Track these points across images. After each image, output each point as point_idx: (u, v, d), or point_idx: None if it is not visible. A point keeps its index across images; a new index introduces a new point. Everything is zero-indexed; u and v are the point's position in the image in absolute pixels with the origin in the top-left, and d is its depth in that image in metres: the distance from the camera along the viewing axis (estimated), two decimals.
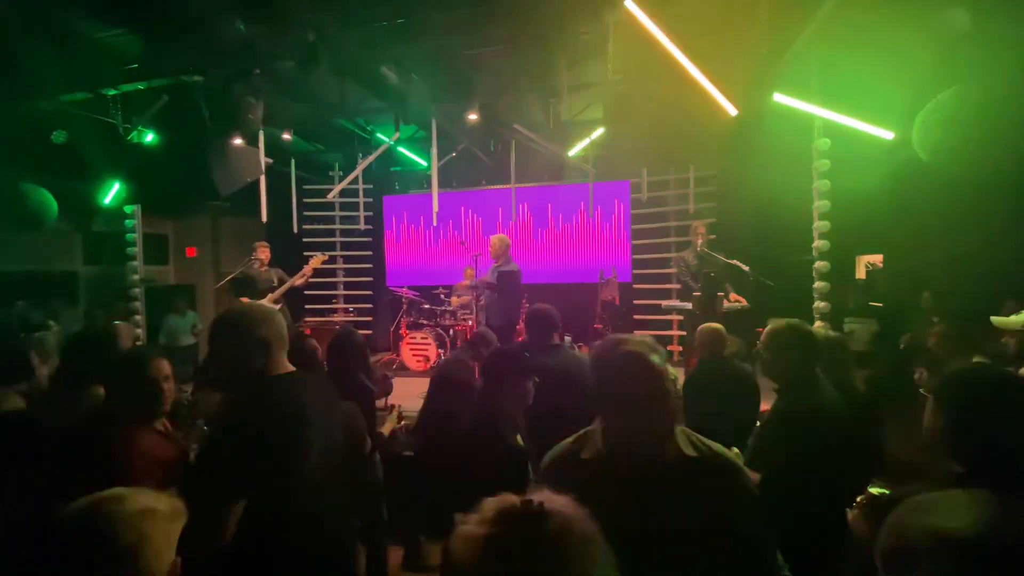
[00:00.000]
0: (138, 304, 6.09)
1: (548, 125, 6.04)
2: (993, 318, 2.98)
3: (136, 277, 6.08)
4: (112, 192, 5.68)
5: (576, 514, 0.81)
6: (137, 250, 6.06)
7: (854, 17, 3.40)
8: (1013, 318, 2.74)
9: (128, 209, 5.94)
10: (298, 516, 1.44)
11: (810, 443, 1.87)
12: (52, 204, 5.47)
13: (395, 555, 2.94)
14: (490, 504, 0.81)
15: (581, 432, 1.33)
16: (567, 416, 2.16)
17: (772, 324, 2.14)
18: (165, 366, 1.84)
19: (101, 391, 2.34)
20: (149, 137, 5.41)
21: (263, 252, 6.10)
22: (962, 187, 4.81)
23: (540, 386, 2.16)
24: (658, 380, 1.21)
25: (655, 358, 1.21)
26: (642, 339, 1.27)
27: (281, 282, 6.08)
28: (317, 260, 6.26)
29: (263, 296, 6.10)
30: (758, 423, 2.26)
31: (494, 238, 5.58)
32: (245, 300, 6.15)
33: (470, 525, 0.79)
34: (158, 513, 1.00)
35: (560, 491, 0.92)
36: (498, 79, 4.96)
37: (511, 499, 0.81)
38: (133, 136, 5.07)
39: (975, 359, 2.61)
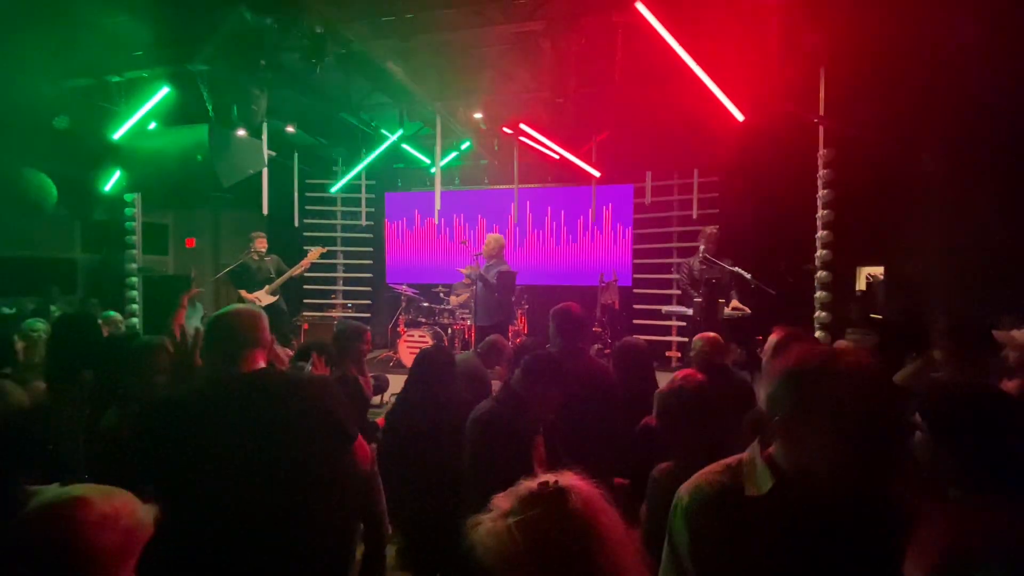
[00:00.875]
0: (135, 293, 6.05)
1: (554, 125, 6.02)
2: (996, 332, 2.96)
3: (134, 266, 6.05)
4: (112, 180, 5.66)
5: (587, 486, 0.88)
6: (136, 239, 6.03)
7: (863, 25, 3.38)
8: (1016, 333, 2.71)
9: (128, 198, 5.91)
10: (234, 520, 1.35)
11: None
12: (52, 189, 5.45)
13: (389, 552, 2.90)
14: (509, 495, 0.87)
15: (729, 462, 1.11)
16: (589, 425, 2.15)
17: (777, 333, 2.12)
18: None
19: (90, 376, 2.32)
20: (152, 125, 5.38)
21: (260, 243, 6.09)
22: (963, 200, 4.81)
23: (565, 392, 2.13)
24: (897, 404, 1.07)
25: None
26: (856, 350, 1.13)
27: (279, 273, 6.06)
28: (315, 253, 6.24)
29: (260, 287, 6.08)
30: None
31: (490, 237, 5.56)
32: (244, 292, 6.14)
33: (493, 520, 0.84)
34: (119, 523, 0.94)
35: (718, 539, 0.99)
36: (505, 77, 4.94)
37: (527, 486, 0.87)
38: (136, 124, 5.03)
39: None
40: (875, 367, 0.99)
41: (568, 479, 0.88)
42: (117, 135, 4.93)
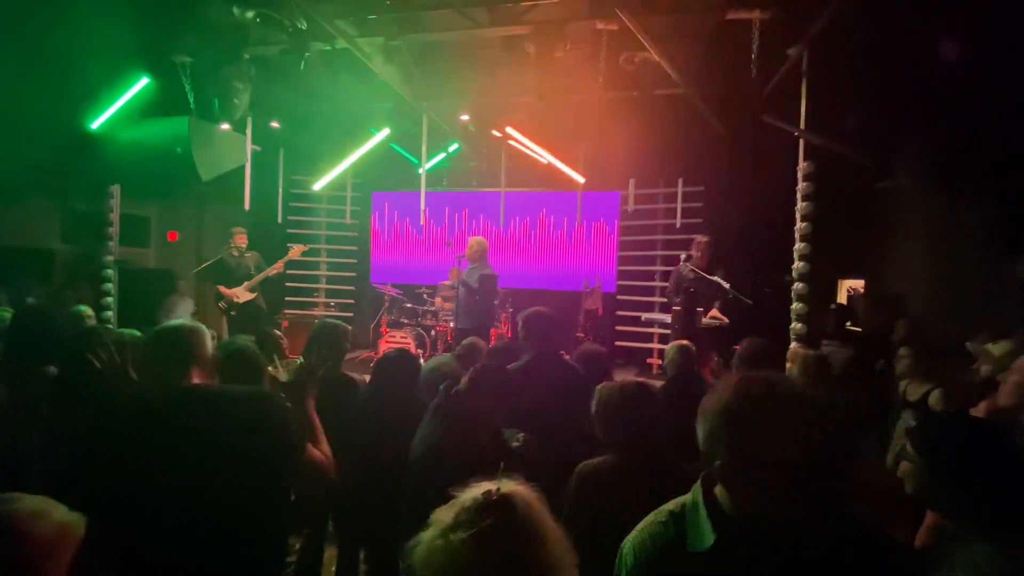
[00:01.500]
0: (110, 286, 5.95)
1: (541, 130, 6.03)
2: (969, 344, 3.00)
3: (110, 258, 5.95)
4: (93, 169, 5.57)
5: (527, 490, 0.89)
6: (114, 230, 5.93)
7: (840, 46, 3.43)
8: (990, 346, 2.75)
9: (108, 188, 5.81)
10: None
11: None
12: None
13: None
14: (452, 507, 0.86)
15: (673, 509, 1.03)
16: (558, 428, 2.14)
17: (746, 342, 2.13)
18: None
19: (53, 370, 2.26)
20: (132, 116, 5.30)
21: (240, 238, 6.03)
22: (940, 217, 4.89)
23: (535, 395, 2.11)
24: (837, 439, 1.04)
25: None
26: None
27: (258, 270, 6.00)
28: (296, 251, 6.20)
29: (239, 284, 6.01)
30: None
31: (472, 240, 5.55)
32: (222, 288, 6.06)
33: (440, 536, 0.83)
34: (50, 514, 0.95)
35: None
36: (492, 80, 4.95)
37: (471, 497, 0.86)
38: (115, 114, 4.95)
39: (939, 387, 2.63)
40: (813, 395, 0.96)
41: (508, 485, 0.88)
42: (95, 124, 4.85)
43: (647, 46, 3.30)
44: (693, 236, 5.30)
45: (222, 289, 5.94)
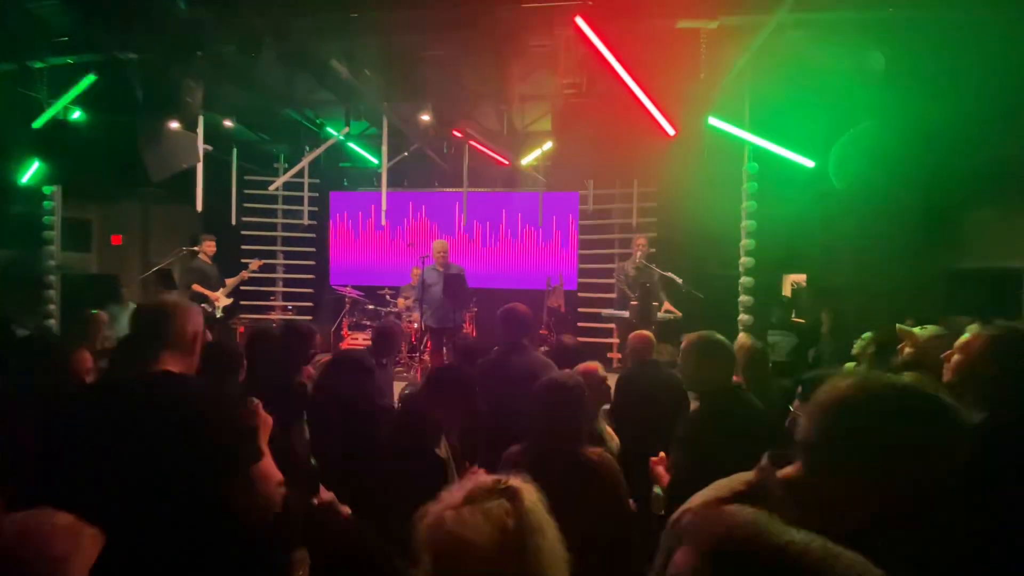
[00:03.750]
0: (52, 292, 5.66)
1: (502, 132, 6.13)
2: (899, 326, 3.24)
3: (52, 263, 5.65)
4: (30, 171, 5.27)
5: (535, 489, 0.92)
6: (55, 234, 5.65)
7: (783, 53, 3.67)
8: (918, 329, 2.97)
9: (47, 190, 5.53)
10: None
11: (731, 443, 2.00)
12: None
13: None
14: (462, 488, 0.90)
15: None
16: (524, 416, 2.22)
17: (687, 337, 2.26)
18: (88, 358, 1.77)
19: None
20: (76, 115, 5.06)
21: (210, 246, 5.99)
22: (871, 214, 5.28)
23: (503, 386, 2.17)
24: None
25: None
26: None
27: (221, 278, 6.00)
28: (254, 265, 6.23)
29: (216, 290, 5.95)
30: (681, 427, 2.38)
31: (437, 243, 5.67)
32: (208, 292, 5.93)
33: (448, 508, 0.86)
34: (84, 531, 1.01)
35: None
36: (452, 82, 4.99)
37: (482, 480, 0.91)
38: (58, 113, 4.73)
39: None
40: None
41: (519, 481, 0.93)
42: (37, 123, 4.62)
43: (600, 50, 3.44)
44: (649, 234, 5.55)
45: (207, 292, 5.80)
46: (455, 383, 2.07)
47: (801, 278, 7.61)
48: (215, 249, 5.99)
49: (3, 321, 2.92)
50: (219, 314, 5.91)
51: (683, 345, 2.23)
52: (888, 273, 5.62)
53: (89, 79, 4.41)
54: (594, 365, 2.79)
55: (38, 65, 4.57)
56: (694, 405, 2.49)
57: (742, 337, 3.74)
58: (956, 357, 1.83)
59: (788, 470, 0.95)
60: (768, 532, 0.60)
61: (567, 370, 2.34)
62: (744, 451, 1.96)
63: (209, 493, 1.26)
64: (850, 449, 0.85)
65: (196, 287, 5.78)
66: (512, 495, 0.88)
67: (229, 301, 6.02)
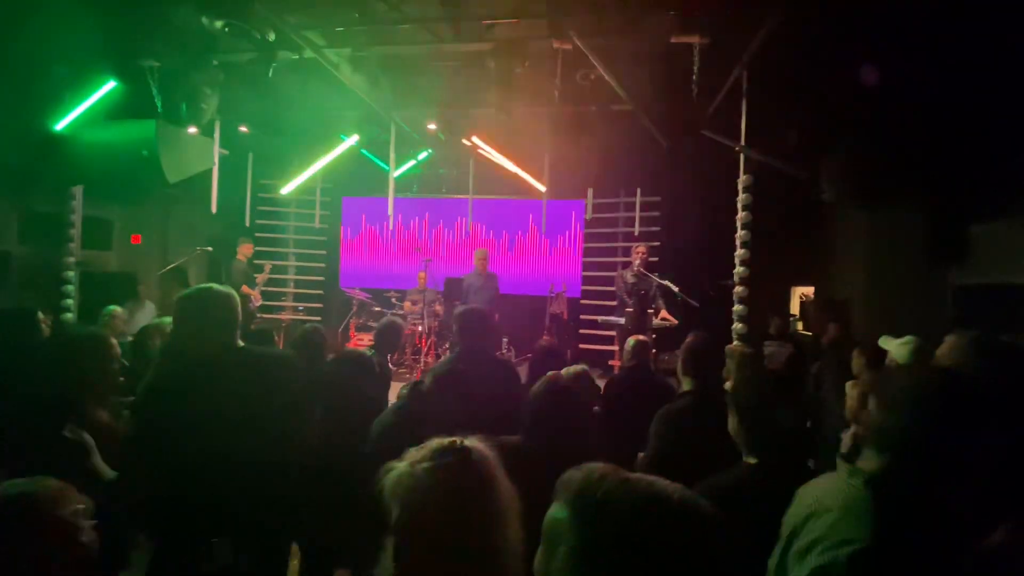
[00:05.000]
0: (71, 288, 5.89)
1: (504, 140, 6.27)
2: (882, 338, 3.27)
3: (71, 260, 5.89)
4: (55, 171, 5.52)
5: (487, 448, 1.04)
6: (76, 232, 5.89)
7: (774, 68, 3.76)
8: (893, 342, 3.00)
9: (70, 190, 5.77)
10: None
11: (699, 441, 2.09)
12: None
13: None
14: (421, 448, 1.03)
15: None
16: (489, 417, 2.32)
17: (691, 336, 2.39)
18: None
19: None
20: (97, 119, 5.30)
21: (248, 248, 6.34)
22: (877, 227, 5.30)
23: (471, 388, 2.27)
24: None
25: None
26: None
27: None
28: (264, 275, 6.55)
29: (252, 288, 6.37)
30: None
31: (478, 251, 6.20)
32: (247, 289, 6.33)
33: (408, 465, 0.99)
34: (73, 496, 1.12)
35: None
36: (458, 91, 5.14)
37: (438, 441, 1.04)
38: (80, 116, 4.96)
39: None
40: None
41: (471, 442, 1.05)
42: (60, 126, 4.86)
43: (597, 65, 3.56)
44: (651, 243, 5.62)
45: (246, 290, 6.20)
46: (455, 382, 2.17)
47: (809, 291, 7.61)
48: (252, 251, 6.30)
49: (30, 313, 3.08)
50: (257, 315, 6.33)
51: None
52: (894, 287, 5.62)
53: (110, 84, 4.62)
54: (581, 367, 2.87)
55: (61, 69, 4.81)
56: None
57: (735, 344, 3.80)
58: (856, 391, 1.86)
59: None
60: (616, 472, 0.72)
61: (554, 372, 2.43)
62: (715, 448, 2.06)
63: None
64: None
65: (245, 288, 6.24)
66: (462, 451, 1.01)
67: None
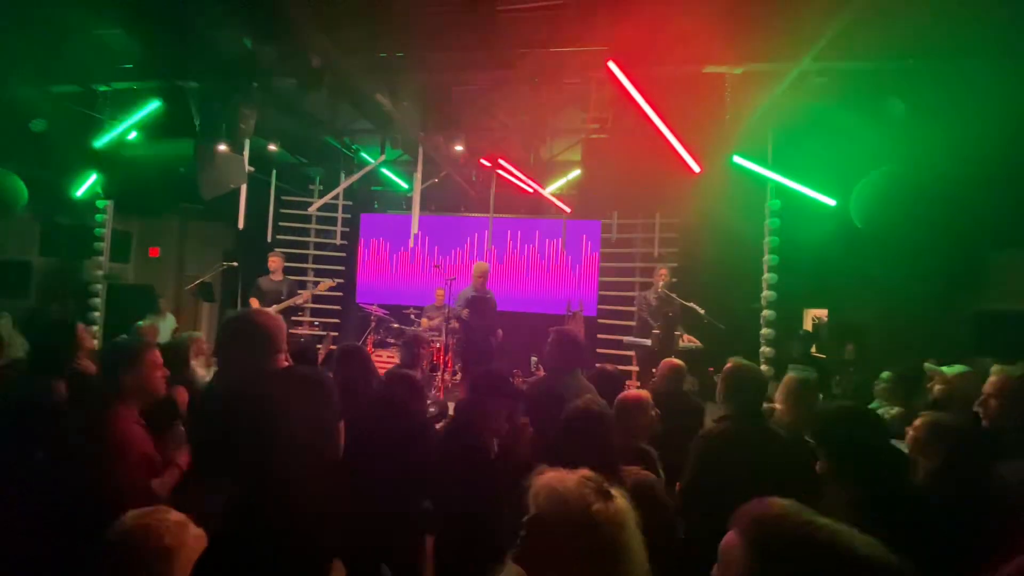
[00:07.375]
0: (98, 300, 5.96)
1: (529, 162, 6.37)
2: (926, 364, 3.28)
3: (99, 272, 5.97)
4: (86, 185, 5.63)
5: (627, 502, 1.09)
6: (105, 245, 5.98)
7: (807, 96, 3.84)
8: (944, 368, 3.03)
9: (100, 204, 5.88)
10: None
11: (743, 465, 2.11)
12: (23, 190, 5.39)
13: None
14: (582, 473, 1.09)
15: None
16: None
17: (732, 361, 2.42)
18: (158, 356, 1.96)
19: (63, 386, 2.38)
20: (132, 135, 5.42)
21: (275, 262, 6.29)
22: (896, 253, 5.35)
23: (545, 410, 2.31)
24: None
25: None
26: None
27: (290, 295, 6.22)
28: (323, 286, 6.46)
29: (268, 306, 6.19)
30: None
31: (477, 265, 5.86)
32: (255, 302, 6.21)
33: (564, 478, 1.06)
34: (190, 527, 1.18)
35: None
36: (485, 116, 5.25)
37: (597, 475, 1.10)
38: (118, 133, 5.08)
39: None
40: None
41: (620, 492, 1.11)
42: (100, 142, 4.97)
43: (631, 93, 3.65)
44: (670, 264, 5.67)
45: (254, 302, 6.09)
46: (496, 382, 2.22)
47: (822, 313, 7.63)
48: (281, 264, 6.41)
49: (70, 325, 3.14)
50: None
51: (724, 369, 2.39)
52: (912, 312, 5.65)
53: (154, 105, 4.74)
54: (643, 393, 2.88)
55: (102, 88, 4.94)
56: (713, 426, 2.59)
57: (765, 370, 3.82)
58: (992, 401, 1.89)
59: None
60: (799, 513, 0.74)
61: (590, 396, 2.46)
62: (756, 475, 2.08)
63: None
64: None
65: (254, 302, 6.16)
66: (607, 492, 1.06)
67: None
